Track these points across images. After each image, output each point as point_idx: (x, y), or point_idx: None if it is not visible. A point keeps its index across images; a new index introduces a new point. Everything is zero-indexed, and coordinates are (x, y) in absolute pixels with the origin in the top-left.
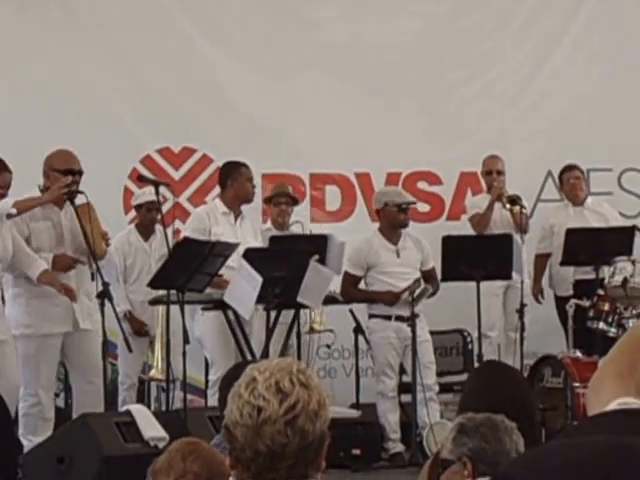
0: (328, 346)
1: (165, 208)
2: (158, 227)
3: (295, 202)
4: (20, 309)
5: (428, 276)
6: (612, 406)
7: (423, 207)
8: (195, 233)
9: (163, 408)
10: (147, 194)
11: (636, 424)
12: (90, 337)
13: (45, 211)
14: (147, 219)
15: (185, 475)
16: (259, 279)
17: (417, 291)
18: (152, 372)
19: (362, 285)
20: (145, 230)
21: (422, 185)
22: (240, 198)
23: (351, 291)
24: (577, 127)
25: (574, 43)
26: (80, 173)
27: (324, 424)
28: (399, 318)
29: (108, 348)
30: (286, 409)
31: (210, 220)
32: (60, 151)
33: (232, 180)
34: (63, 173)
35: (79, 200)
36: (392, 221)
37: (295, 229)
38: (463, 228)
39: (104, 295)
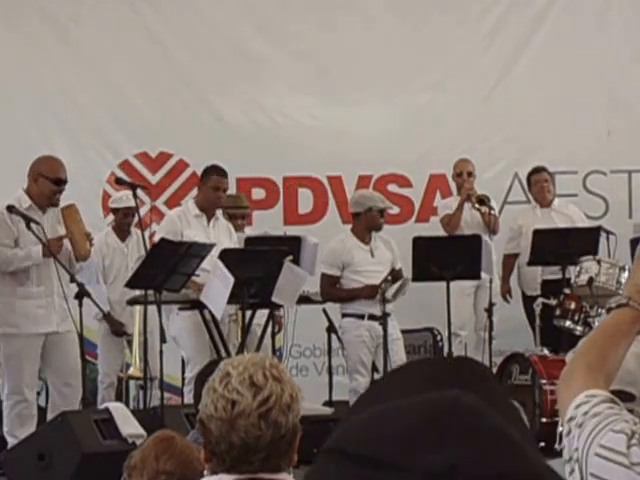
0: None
1: (142, 211)
2: (134, 229)
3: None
4: (5, 308)
5: (395, 275)
6: (580, 398)
7: (393, 209)
8: (168, 235)
9: (141, 406)
10: (125, 199)
11: (440, 371)
12: (68, 339)
13: (30, 214)
14: (124, 223)
15: (158, 476)
16: (231, 279)
17: (398, 284)
18: (131, 370)
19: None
20: (121, 232)
21: (392, 188)
22: (204, 203)
23: (331, 291)
24: (544, 131)
25: (539, 49)
26: (65, 182)
27: (296, 417)
28: (372, 317)
29: (88, 347)
30: (259, 402)
31: (182, 223)
32: (50, 158)
33: (202, 184)
34: (52, 181)
35: (64, 202)
36: (373, 224)
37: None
38: (432, 230)
39: (82, 295)
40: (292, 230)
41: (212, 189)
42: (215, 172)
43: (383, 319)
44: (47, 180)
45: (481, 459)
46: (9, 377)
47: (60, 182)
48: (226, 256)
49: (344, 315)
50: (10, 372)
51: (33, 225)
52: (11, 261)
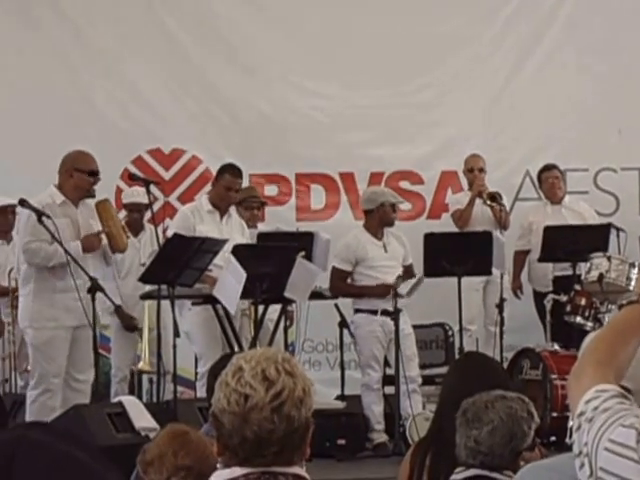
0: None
1: (156, 207)
2: (147, 224)
3: (263, 204)
4: (45, 304)
5: (408, 271)
6: (590, 393)
7: (405, 206)
8: (180, 231)
9: (154, 399)
10: (130, 195)
11: None
12: (85, 332)
13: (64, 209)
14: (130, 219)
15: (177, 472)
16: (244, 274)
17: (413, 282)
18: (140, 364)
19: (348, 281)
20: (133, 227)
21: (404, 184)
22: (216, 200)
23: (340, 286)
24: (555, 128)
25: (551, 47)
26: (99, 173)
27: (309, 411)
28: (384, 312)
29: (101, 341)
30: (272, 396)
31: (195, 218)
32: (81, 152)
33: (216, 181)
34: (87, 174)
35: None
36: (385, 219)
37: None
38: (443, 226)
39: (94, 290)
40: (304, 226)
41: (224, 188)
42: (229, 172)
43: (395, 314)
44: (83, 173)
45: None
46: (38, 367)
47: (94, 173)
48: (239, 252)
49: (357, 310)
50: (40, 362)
51: (45, 219)
52: (51, 257)
